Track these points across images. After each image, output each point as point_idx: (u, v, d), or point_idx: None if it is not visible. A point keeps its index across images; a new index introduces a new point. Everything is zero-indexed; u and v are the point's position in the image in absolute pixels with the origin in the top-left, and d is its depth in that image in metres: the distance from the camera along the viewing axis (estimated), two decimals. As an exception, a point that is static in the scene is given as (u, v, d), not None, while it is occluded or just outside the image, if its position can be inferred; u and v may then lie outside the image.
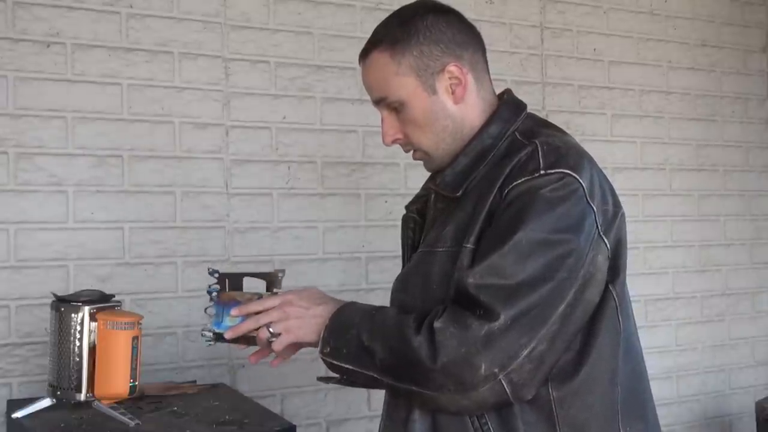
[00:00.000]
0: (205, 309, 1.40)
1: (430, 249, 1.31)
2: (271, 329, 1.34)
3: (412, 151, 1.40)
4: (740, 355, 3.35)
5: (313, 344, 1.34)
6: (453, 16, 1.36)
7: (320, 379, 1.40)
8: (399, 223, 1.53)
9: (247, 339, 1.37)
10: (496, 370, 1.16)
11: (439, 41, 1.32)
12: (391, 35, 1.33)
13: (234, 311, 1.37)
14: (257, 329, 1.35)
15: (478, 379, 1.17)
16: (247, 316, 1.36)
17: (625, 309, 1.31)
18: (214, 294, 1.40)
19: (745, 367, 3.36)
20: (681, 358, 3.21)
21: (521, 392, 1.20)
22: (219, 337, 1.38)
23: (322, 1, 2.57)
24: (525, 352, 1.17)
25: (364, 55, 1.37)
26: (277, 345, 1.34)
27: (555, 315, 1.19)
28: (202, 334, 1.40)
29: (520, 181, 1.23)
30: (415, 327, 1.20)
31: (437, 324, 1.18)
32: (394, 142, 1.39)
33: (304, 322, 1.34)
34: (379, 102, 1.37)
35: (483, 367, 1.16)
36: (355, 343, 1.26)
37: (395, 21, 1.36)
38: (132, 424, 1.62)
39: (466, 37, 1.36)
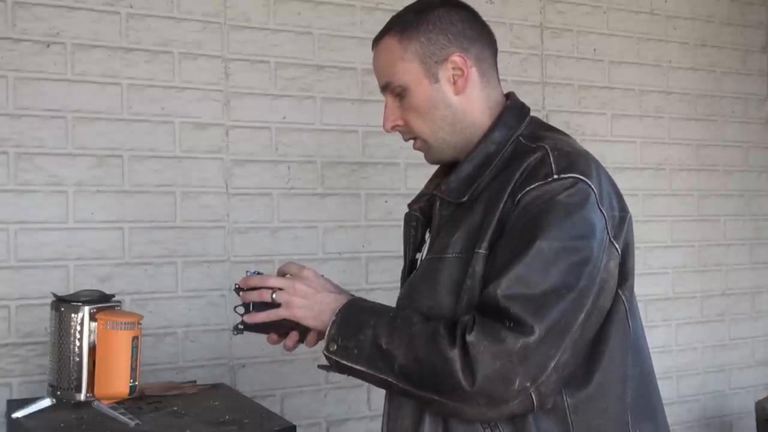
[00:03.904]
0: (235, 308, 1.40)
1: (439, 256, 1.29)
2: (274, 296, 1.34)
3: (412, 141, 1.41)
4: (740, 355, 3.35)
5: (309, 329, 1.35)
6: (467, 12, 1.38)
7: (321, 367, 1.39)
8: (399, 223, 1.53)
9: (271, 327, 1.38)
10: (528, 384, 1.16)
11: (447, 31, 1.34)
12: (403, 22, 1.36)
13: (251, 281, 1.38)
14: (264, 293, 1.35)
15: (511, 394, 1.16)
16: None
17: (633, 312, 1.31)
18: (242, 293, 1.40)
19: (745, 367, 3.36)
20: (681, 358, 3.21)
21: (546, 402, 1.20)
22: (246, 325, 1.38)
23: (322, 1, 2.57)
24: (553, 364, 1.16)
25: (376, 40, 1.39)
26: (270, 315, 1.34)
27: (577, 324, 1.18)
28: (233, 329, 1.40)
29: (532, 186, 1.22)
30: (449, 338, 1.17)
31: (470, 338, 1.15)
32: (394, 128, 1.39)
33: (306, 303, 1.33)
34: (385, 88, 1.38)
35: (517, 381, 1.15)
36: (369, 345, 1.24)
37: (411, 9, 1.38)
38: (132, 424, 1.62)
39: (477, 33, 1.37)
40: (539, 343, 1.14)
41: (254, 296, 1.36)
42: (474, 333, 1.15)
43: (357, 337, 1.25)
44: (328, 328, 1.29)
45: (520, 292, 1.16)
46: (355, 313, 1.29)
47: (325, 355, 1.29)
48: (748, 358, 3.37)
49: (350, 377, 1.32)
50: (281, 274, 1.41)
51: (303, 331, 1.40)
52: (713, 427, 3.27)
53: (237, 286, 1.40)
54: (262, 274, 1.39)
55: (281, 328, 1.39)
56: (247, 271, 1.41)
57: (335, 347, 1.27)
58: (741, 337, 3.36)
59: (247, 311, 1.38)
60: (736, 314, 3.35)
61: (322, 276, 1.41)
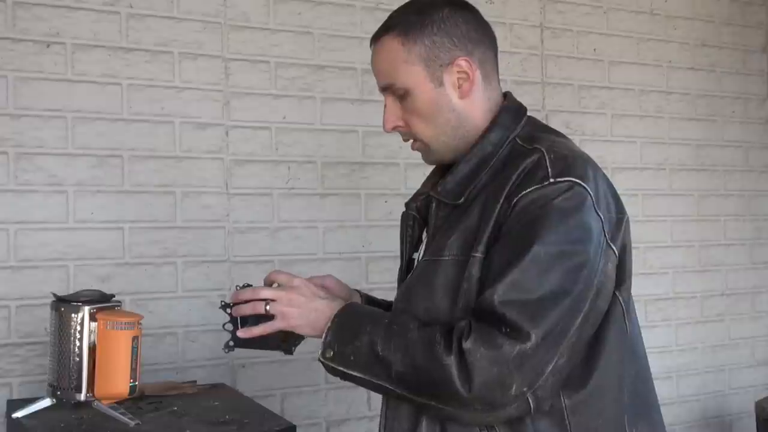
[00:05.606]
0: (223, 325, 1.37)
1: (435, 258, 1.29)
2: (268, 307, 1.32)
3: (411, 141, 1.39)
4: (740, 355, 3.35)
5: (305, 336, 1.35)
6: (470, 12, 1.36)
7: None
8: (399, 223, 1.53)
9: (262, 341, 1.36)
10: (525, 389, 1.16)
11: (452, 34, 1.31)
12: (405, 22, 1.33)
13: (241, 294, 1.36)
14: (257, 306, 1.34)
15: (508, 399, 1.16)
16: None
17: (630, 313, 1.31)
18: (228, 310, 1.38)
19: (745, 367, 3.36)
20: (681, 358, 3.21)
21: (543, 404, 1.20)
22: (237, 341, 1.36)
23: (322, 1, 2.57)
24: (549, 368, 1.16)
25: (376, 38, 1.36)
26: (267, 328, 1.33)
27: (573, 328, 1.18)
28: (224, 348, 1.38)
29: (528, 190, 1.21)
30: (445, 344, 1.17)
31: (466, 344, 1.15)
32: (394, 129, 1.37)
33: (301, 312, 1.32)
34: (386, 89, 1.36)
35: (514, 387, 1.14)
36: (366, 352, 1.23)
37: (412, 9, 1.35)
38: (132, 424, 1.62)
39: (480, 35, 1.35)
40: (536, 349, 1.14)
41: (248, 309, 1.34)
42: (470, 339, 1.15)
43: (353, 343, 1.25)
44: (324, 335, 1.28)
45: (516, 298, 1.16)
46: (350, 319, 1.29)
47: (321, 362, 1.28)
48: (748, 358, 3.37)
49: None
50: (268, 283, 1.39)
51: (289, 346, 1.40)
52: (713, 427, 3.27)
53: (224, 302, 1.38)
54: (230, 305, 1.37)
55: (271, 341, 1.37)
56: (236, 286, 1.39)
57: (331, 354, 1.26)
58: (741, 337, 3.36)
59: (236, 327, 1.36)
60: (736, 314, 3.35)
61: (312, 283, 1.39)
